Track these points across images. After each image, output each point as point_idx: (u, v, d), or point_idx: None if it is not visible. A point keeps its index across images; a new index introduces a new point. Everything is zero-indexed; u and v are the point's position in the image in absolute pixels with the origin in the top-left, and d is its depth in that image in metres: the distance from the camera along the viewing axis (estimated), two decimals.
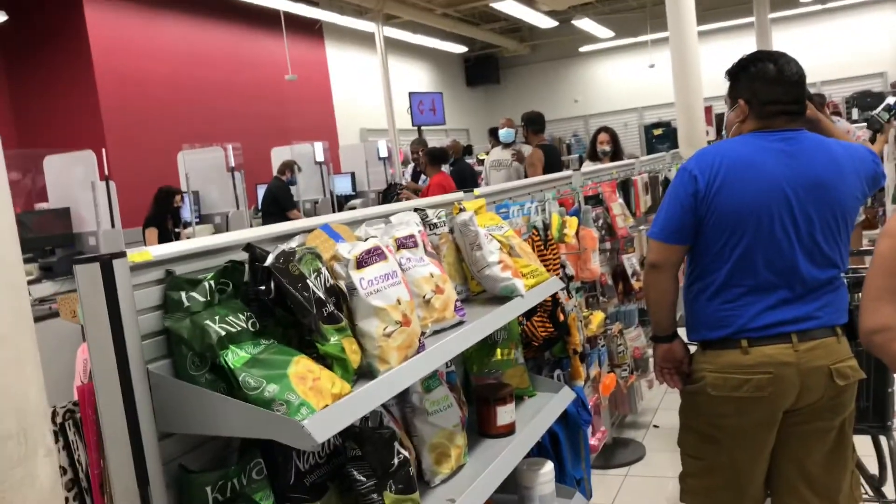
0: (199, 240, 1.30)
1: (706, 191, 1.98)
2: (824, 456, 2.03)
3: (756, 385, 1.94)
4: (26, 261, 5.25)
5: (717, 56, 5.81)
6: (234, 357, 1.15)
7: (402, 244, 1.61)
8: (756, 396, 1.95)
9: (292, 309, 1.24)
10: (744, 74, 2.08)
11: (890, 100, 4.26)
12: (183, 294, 1.18)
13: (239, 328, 1.19)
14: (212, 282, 1.22)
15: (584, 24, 13.15)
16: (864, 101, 11.96)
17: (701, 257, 2.06)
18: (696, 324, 2.09)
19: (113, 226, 5.50)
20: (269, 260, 1.25)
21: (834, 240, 1.99)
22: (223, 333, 1.15)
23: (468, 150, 11.91)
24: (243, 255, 1.30)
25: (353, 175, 9.30)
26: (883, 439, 2.54)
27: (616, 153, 5.60)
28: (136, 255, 1.14)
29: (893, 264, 1.47)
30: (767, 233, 1.95)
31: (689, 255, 2.11)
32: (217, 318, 1.17)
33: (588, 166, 5.49)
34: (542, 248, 2.53)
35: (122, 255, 1.10)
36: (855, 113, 11.91)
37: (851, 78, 13.19)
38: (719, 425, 2.04)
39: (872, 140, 4.22)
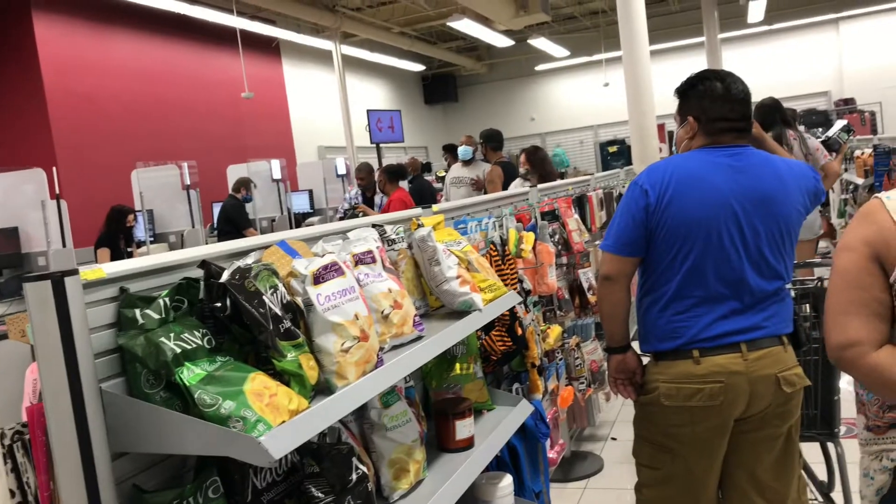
0: (154, 257, 1.28)
1: (657, 204, 2.03)
2: (773, 462, 2.08)
3: (708, 394, 1.99)
4: None
5: (669, 74, 5.95)
6: (190, 374, 1.13)
7: (359, 260, 1.61)
8: (708, 405, 1.99)
9: (248, 325, 1.23)
10: (692, 92, 2.15)
11: (841, 122, 4.45)
12: (137, 311, 1.17)
13: (194, 345, 1.18)
14: (166, 299, 1.21)
15: (540, 43, 13.34)
16: (810, 118, 12.34)
17: (652, 270, 2.10)
18: (649, 335, 2.13)
19: (64, 245, 5.38)
20: (225, 276, 1.24)
21: (779, 252, 2.05)
22: (178, 350, 1.14)
23: (427, 167, 11.97)
24: (198, 273, 1.29)
25: (310, 193, 9.27)
26: (831, 446, 2.61)
27: (543, 175, 5.10)
28: (89, 272, 1.12)
29: (856, 276, 1.40)
30: (716, 245, 2.00)
31: (640, 268, 2.16)
32: (172, 335, 1.16)
33: (515, 187, 5.16)
34: (500, 262, 2.55)
35: (75, 272, 1.08)
36: (802, 130, 12.27)
37: (797, 96, 13.60)
38: (673, 435, 2.08)
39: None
